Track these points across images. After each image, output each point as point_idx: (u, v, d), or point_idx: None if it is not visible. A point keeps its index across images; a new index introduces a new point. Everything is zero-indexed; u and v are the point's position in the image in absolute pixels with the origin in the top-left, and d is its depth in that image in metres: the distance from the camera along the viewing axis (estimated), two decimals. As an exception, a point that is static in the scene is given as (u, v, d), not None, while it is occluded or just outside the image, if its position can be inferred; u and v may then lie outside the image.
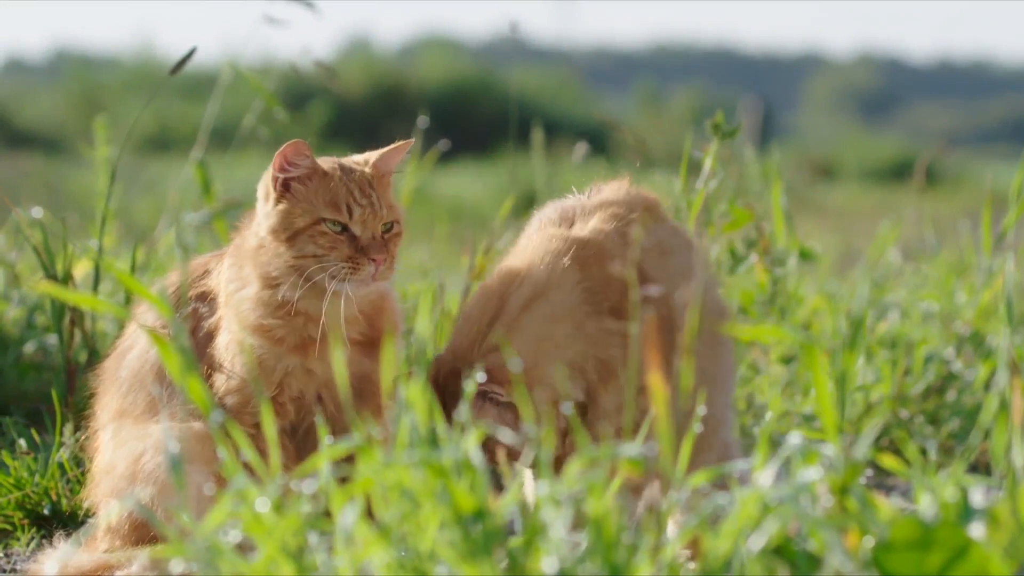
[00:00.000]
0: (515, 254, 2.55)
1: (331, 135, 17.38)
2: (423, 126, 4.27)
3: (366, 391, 2.54)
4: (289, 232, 2.48)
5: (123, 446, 2.53)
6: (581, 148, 4.40)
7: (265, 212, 2.51)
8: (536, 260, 2.47)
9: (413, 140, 2.60)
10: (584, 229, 2.51)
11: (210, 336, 2.55)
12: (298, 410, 2.51)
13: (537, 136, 4.50)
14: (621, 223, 2.50)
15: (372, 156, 2.57)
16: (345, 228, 2.48)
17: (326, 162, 2.54)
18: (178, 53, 3.47)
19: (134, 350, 2.59)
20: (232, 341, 2.51)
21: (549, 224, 2.55)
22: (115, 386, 2.59)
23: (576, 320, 2.43)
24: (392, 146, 2.57)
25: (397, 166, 2.59)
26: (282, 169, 2.50)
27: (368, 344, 2.54)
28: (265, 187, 2.52)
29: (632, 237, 2.47)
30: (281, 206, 2.49)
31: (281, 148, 2.50)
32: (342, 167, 2.53)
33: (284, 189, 2.50)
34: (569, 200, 2.60)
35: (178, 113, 16.11)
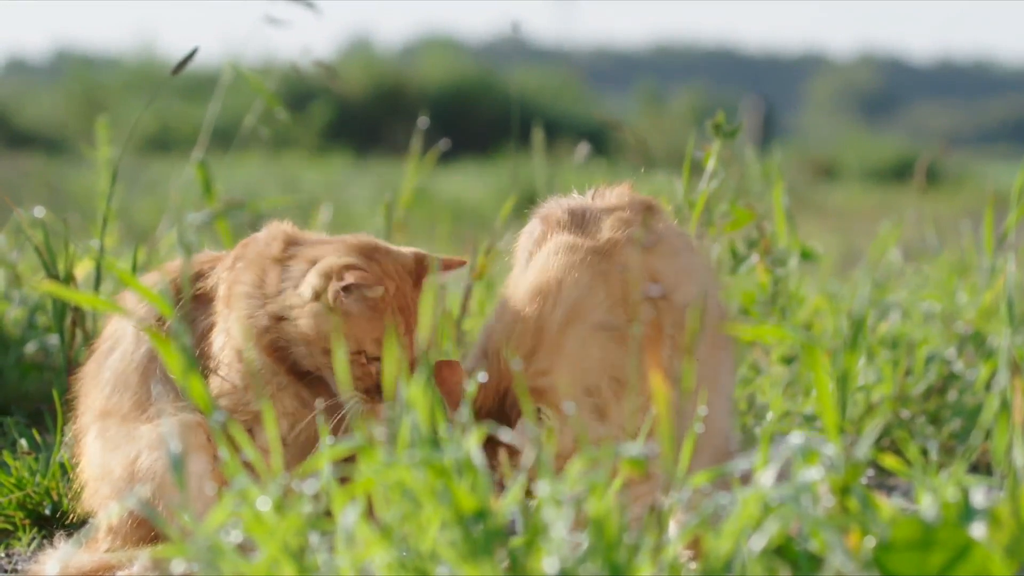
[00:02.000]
0: (526, 261, 2.51)
1: (332, 135, 17.41)
2: (424, 126, 4.27)
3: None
4: (329, 346, 2.42)
5: (116, 449, 2.52)
6: (582, 148, 4.40)
7: (312, 309, 2.42)
8: (562, 275, 2.41)
9: (468, 262, 2.53)
10: (599, 238, 2.45)
11: (202, 337, 2.54)
12: (292, 425, 2.50)
13: (538, 136, 4.50)
14: (631, 229, 2.47)
15: (428, 266, 2.47)
16: (377, 359, 2.43)
17: (388, 274, 2.44)
18: (179, 53, 3.47)
19: (117, 351, 2.59)
20: (229, 344, 2.50)
21: (560, 228, 2.50)
22: (97, 387, 2.58)
23: (602, 337, 2.40)
24: (452, 266, 2.50)
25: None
26: (349, 291, 2.41)
27: None
28: (320, 283, 2.42)
29: (640, 242, 2.45)
30: (332, 317, 2.41)
31: (355, 274, 2.40)
32: (398, 287, 2.43)
33: (344, 303, 2.41)
34: (574, 200, 2.56)
35: (179, 113, 16.13)
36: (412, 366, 2.46)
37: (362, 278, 2.40)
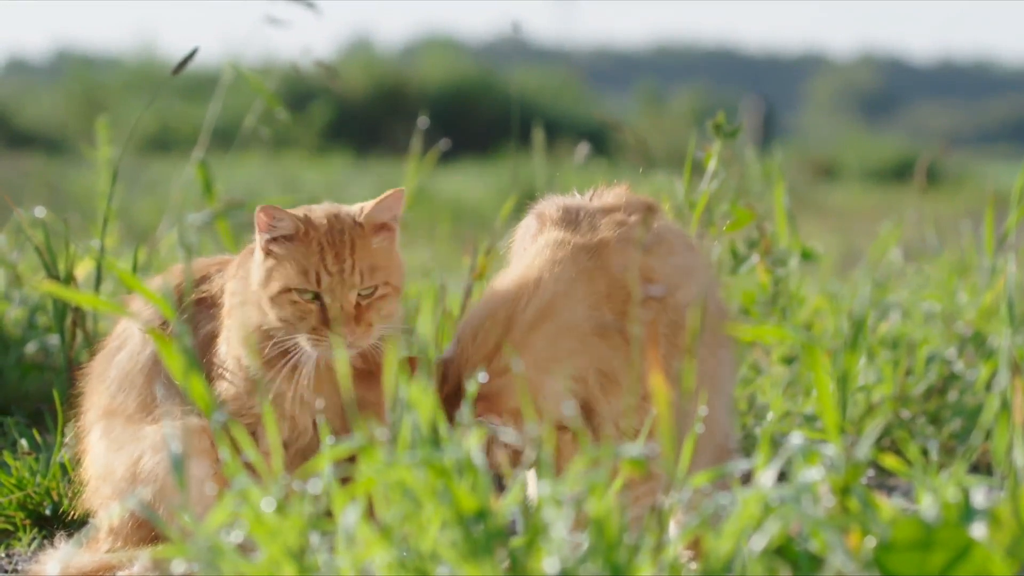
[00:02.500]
0: (519, 257, 2.52)
1: (332, 135, 17.41)
2: (424, 126, 4.27)
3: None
4: (269, 293, 2.45)
5: (120, 450, 2.53)
6: (583, 148, 4.40)
7: (256, 263, 2.49)
8: (543, 271, 2.43)
9: (404, 189, 2.52)
10: (590, 236, 2.46)
11: (207, 340, 2.55)
12: (292, 428, 2.50)
13: (538, 136, 4.50)
14: (624, 229, 2.48)
15: (366, 207, 2.50)
16: (317, 296, 2.44)
17: (316, 217, 2.47)
18: (179, 53, 3.48)
19: (124, 350, 2.59)
20: (230, 352, 2.51)
21: (552, 225, 2.51)
22: (103, 385, 2.59)
23: (581, 335, 2.40)
24: (382, 197, 2.49)
25: (392, 215, 2.49)
26: (265, 229, 2.45)
27: (366, 373, 2.51)
28: (258, 239, 2.49)
29: (635, 242, 2.45)
30: (267, 263, 2.46)
31: (259, 209, 2.46)
32: (330, 225, 2.46)
33: (269, 247, 2.46)
34: (571, 198, 2.57)
35: (179, 113, 16.11)
36: (357, 304, 2.44)
37: (271, 215, 2.45)
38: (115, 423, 2.55)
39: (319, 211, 2.49)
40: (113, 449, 2.54)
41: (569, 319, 2.39)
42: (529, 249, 2.49)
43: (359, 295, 2.45)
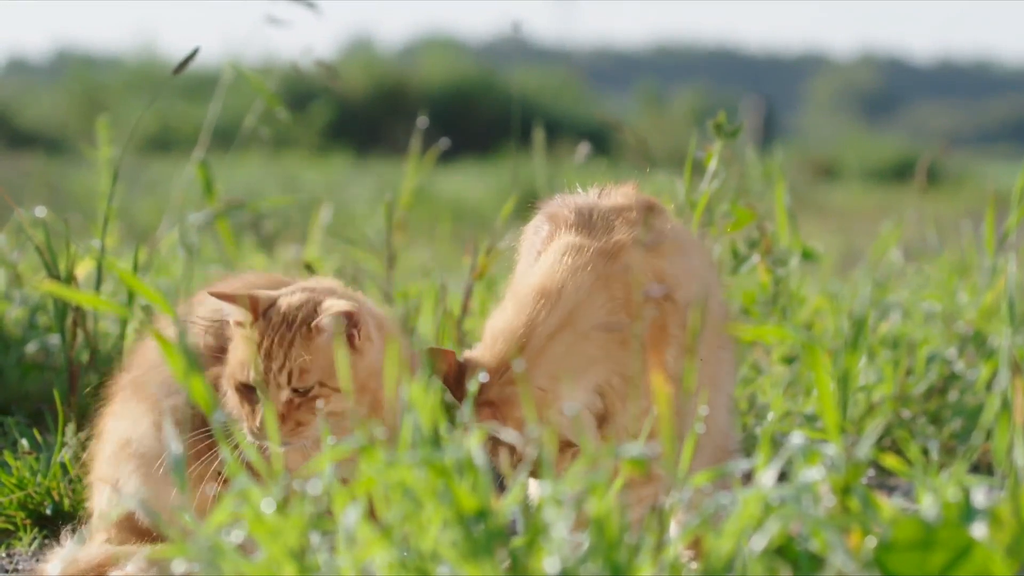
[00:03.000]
0: (528, 258, 2.50)
1: (333, 135, 17.42)
2: (424, 126, 4.27)
3: None
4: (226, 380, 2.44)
5: (123, 419, 2.54)
6: (583, 148, 4.39)
7: None
8: (566, 279, 2.39)
9: (351, 312, 2.38)
10: (606, 239, 2.44)
11: None
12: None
13: (538, 136, 4.50)
14: (637, 229, 2.46)
15: (323, 314, 2.38)
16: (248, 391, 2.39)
17: (270, 306, 2.39)
18: (180, 53, 3.47)
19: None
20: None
21: (568, 228, 2.48)
22: (143, 356, 2.60)
23: (601, 343, 2.39)
24: (328, 312, 2.38)
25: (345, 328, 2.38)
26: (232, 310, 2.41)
27: (369, 398, 2.49)
28: None
29: (647, 242, 2.44)
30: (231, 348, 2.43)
31: (207, 292, 2.42)
32: (283, 317, 2.37)
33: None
34: (580, 198, 2.54)
35: (180, 113, 16.11)
36: (289, 402, 2.38)
37: (224, 302, 2.41)
38: (133, 396, 2.56)
39: (287, 299, 2.42)
40: (120, 418, 2.55)
41: (589, 328, 2.38)
42: (546, 254, 2.46)
43: (295, 391, 2.38)
